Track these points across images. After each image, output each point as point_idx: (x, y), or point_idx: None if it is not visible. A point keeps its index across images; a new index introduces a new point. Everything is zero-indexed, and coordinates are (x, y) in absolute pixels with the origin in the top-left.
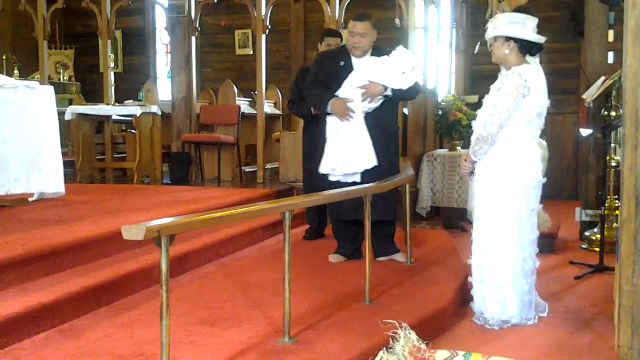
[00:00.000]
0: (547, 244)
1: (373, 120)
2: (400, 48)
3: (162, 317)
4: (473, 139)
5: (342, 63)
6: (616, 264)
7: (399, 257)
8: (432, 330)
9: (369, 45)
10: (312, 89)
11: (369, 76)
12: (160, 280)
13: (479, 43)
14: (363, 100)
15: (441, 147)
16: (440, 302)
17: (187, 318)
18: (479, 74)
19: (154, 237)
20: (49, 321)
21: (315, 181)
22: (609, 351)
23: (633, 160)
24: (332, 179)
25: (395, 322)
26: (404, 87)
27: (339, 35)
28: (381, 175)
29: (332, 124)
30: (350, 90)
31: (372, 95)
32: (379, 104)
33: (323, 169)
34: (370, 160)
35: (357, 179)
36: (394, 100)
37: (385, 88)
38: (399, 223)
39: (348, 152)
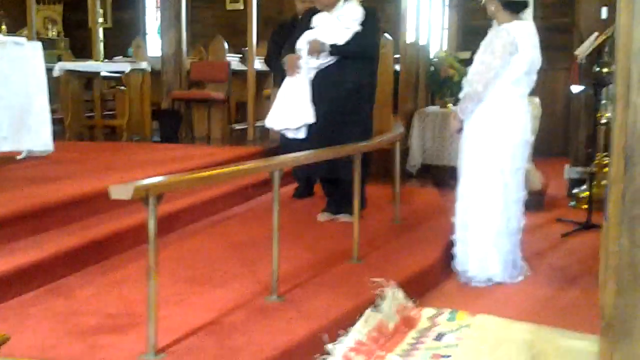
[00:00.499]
0: (536, 201)
1: (322, 76)
2: (350, 2)
3: (149, 276)
4: (461, 95)
5: (314, 20)
6: (603, 222)
7: (342, 218)
8: (418, 288)
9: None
10: (285, 49)
11: (316, 32)
12: (147, 239)
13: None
14: (309, 57)
15: (432, 104)
16: (426, 260)
17: (175, 277)
18: (472, 30)
19: (142, 197)
20: (37, 280)
21: (282, 138)
22: (593, 308)
23: (623, 119)
24: (286, 134)
25: (382, 280)
26: (339, 42)
27: None
28: (331, 131)
29: (285, 80)
30: (300, 46)
31: (312, 51)
32: (326, 60)
33: (267, 122)
34: (306, 116)
35: (302, 134)
36: (344, 57)
37: (323, 44)
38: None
39: (286, 107)
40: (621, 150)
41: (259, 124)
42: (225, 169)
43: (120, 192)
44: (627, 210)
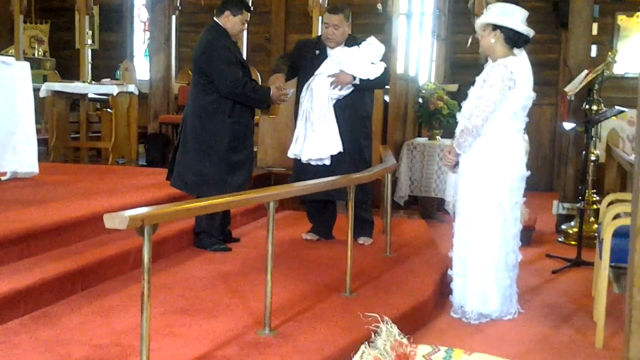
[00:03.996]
0: (524, 236)
1: (342, 106)
2: (371, 38)
3: (143, 309)
4: (457, 130)
5: (317, 52)
6: (596, 258)
7: (361, 240)
8: (412, 323)
9: (342, 37)
10: (278, 61)
11: (339, 65)
12: (142, 269)
13: (471, 36)
14: (333, 88)
15: (420, 136)
16: (420, 294)
17: (165, 306)
18: (459, 62)
19: (137, 227)
20: (23, 307)
21: (296, 162)
22: (589, 347)
23: None
24: (310, 162)
25: (376, 315)
26: (371, 77)
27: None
28: (350, 158)
29: (301, 109)
30: (321, 78)
31: (341, 83)
32: (348, 91)
33: (290, 152)
34: (335, 146)
35: (327, 162)
36: (363, 89)
37: (354, 77)
38: (374, 208)
39: (314, 138)
40: None
41: None
42: (221, 199)
43: (114, 221)
44: None
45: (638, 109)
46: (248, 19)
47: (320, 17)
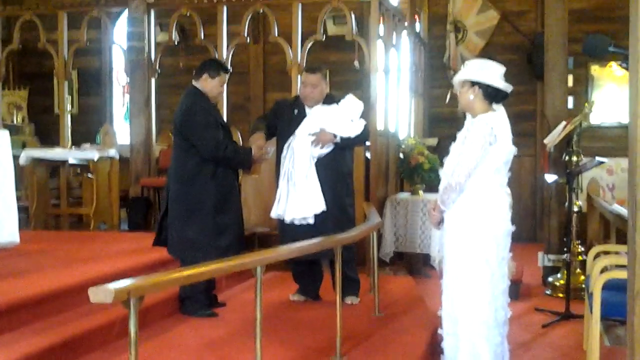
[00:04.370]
0: (512, 290)
1: (324, 164)
2: (349, 96)
3: None
4: (440, 187)
5: (296, 111)
6: (586, 312)
7: (348, 300)
8: None
9: (320, 95)
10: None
11: (319, 124)
12: (128, 344)
13: (449, 92)
14: (314, 147)
15: (402, 190)
16: (411, 355)
17: None
18: (438, 116)
19: (123, 300)
20: None
21: (280, 223)
22: None
23: None
24: (293, 221)
25: None
26: (352, 135)
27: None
28: (334, 216)
29: (283, 169)
30: (302, 137)
31: (322, 142)
32: (329, 149)
33: (273, 213)
34: (318, 205)
35: (311, 221)
36: (344, 147)
37: (335, 136)
38: (359, 266)
39: (296, 198)
40: None
41: None
42: (208, 267)
43: (99, 295)
44: None
45: (629, 172)
46: (226, 81)
47: (298, 76)
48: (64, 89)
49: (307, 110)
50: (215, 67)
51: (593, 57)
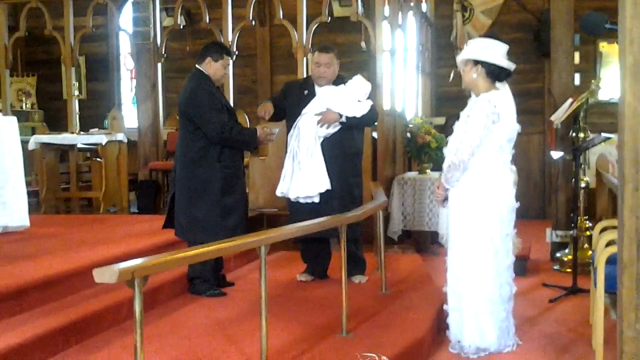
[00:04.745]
0: (519, 266)
1: (330, 144)
2: (357, 77)
3: None
4: (444, 165)
5: (306, 92)
6: (591, 286)
7: (355, 279)
8: None
9: (333, 75)
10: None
11: (326, 104)
12: (133, 323)
13: (453, 70)
14: (320, 126)
15: (410, 170)
16: (417, 330)
17: (160, 356)
18: (445, 96)
19: (127, 280)
20: None
21: (289, 202)
22: None
23: (634, 202)
24: (299, 200)
25: (374, 355)
26: (358, 115)
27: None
28: (339, 196)
29: (289, 147)
30: (308, 116)
31: (327, 122)
32: (336, 129)
33: (277, 191)
34: (323, 183)
35: (316, 199)
36: (350, 126)
37: (340, 115)
38: (367, 245)
39: (301, 176)
40: (633, 232)
41: None
42: (211, 247)
43: (104, 275)
44: None
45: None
46: (229, 64)
47: (304, 58)
48: (71, 75)
49: (317, 90)
50: (217, 50)
51: (591, 35)
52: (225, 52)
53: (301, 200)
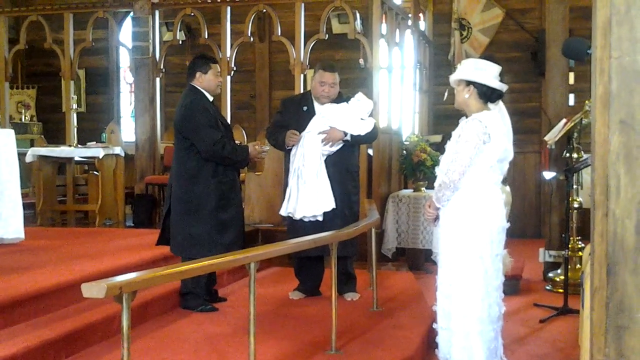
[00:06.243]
0: (512, 285)
1: (333, 162)
2: (359, 94)
3: None
4: (436, 184)
5: (305, 108)
6: (581, 309)
7: (348, 297)
8: None
9: (336, 94)
10: (271, 133)
11: (329, 122)
12: (121, 337)
13: (447, 89)
14: (324, 145)
15: (405, 187)
16: (407, 349)
17: None
18: (442, 113)
19: (115, 295)
20: None
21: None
22: None
23: (603, 228)
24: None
25: None
26: (362, 133)
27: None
28: (342, 213)
29: (293, 167)
30: (312, 135)
31: (332, 140)
32: (339, 147)
33: (282, 211)
34: (328, 203)
35: (320, 218)
36: (353, 145)
37: (345, 133)
38: (361, 262)
39: (307, 196)
40: (603, 257)
41: None
42: (200, 263)
43: (93, 290)
44: (611, 320)
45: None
46: (219, 70)
47: (302, 75)
48: (69, 88)
49: (316, 107)
50: (203, 62)
51: (574, 60)
52: (211, 61)
53: (306, 220)
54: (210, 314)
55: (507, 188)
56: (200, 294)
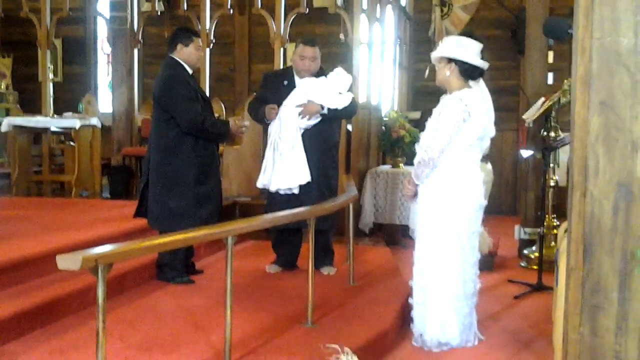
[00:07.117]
0: (487, 261)
1: (310, 135)
2: (338, 69)
3: (98, 347)
4: (415, 161)
5: (285, 82)
6: (555, 286)
7: (325, 270)
8: (374, 353)
9: (316, 68)
10: (252, 108)
11: (307, 95)
12: (96, 309)
13: (428, 66)
14: (302, 118)
15: (384, 163)
16: (382, 323)
17: (125, 341)
18: (421, 90)
19: (91, 267)
20: None
21: (267, 192)
22: None
23: (581, 208)
24: (279, 190)
25: (337, 346)
26: (339, 107)
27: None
28: (318, 187)
29: (270, 139)
30: (289, 108)
31: (309, 113)
32: (316, 121)
33: (259, 183)
34: (304, 175)
35: (295, 191)
36: (331, 119)
37: (322, 107)
38: (338, 237)
39: (282, 168)
40: (580, 237)
41: None
42: (177, 236)
43: (67, 262)
44: (587, 300)
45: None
46: (200, 45)
47: (282, 48)
48: (46, 58)
49: (297, 81)
50: (185, 35)
51: (555, 40)
52: (193, 34)
53: (281, 192)
54: (186, 286)
55: (489, 166)
56: (177, 266)
